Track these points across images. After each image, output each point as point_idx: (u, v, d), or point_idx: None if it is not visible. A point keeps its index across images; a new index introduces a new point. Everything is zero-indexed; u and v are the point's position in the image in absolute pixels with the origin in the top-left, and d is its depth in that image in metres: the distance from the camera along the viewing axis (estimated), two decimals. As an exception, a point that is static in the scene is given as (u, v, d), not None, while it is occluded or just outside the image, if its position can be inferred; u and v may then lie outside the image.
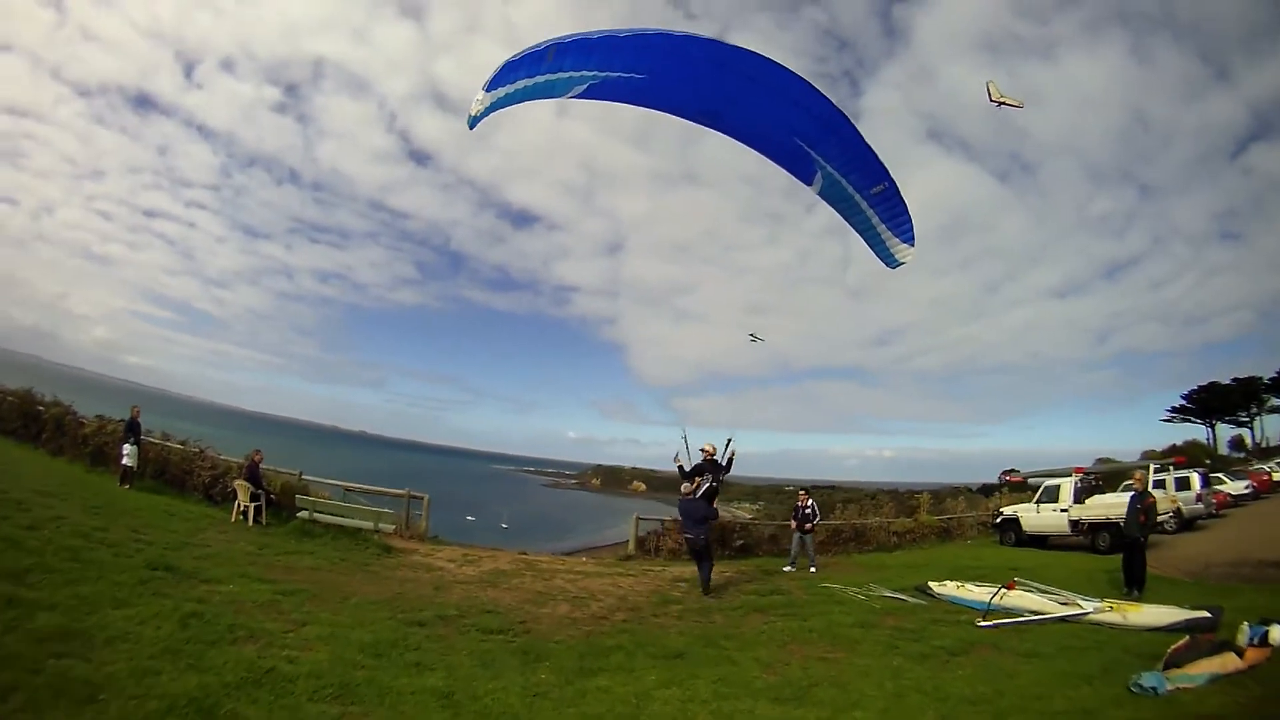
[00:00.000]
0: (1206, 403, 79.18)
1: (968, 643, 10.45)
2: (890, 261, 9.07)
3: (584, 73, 7.22)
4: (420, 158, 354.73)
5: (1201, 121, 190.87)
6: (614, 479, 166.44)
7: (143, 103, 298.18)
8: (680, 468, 14.46)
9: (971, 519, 31.67)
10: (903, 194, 8.39)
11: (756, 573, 18.32)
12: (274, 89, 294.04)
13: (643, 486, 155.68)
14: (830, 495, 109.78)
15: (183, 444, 22.02)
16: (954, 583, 14.65)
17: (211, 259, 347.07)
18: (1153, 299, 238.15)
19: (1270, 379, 73.47)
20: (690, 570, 16.61)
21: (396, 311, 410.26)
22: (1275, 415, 76.22)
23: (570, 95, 7.46)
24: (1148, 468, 24.77)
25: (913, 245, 8.92)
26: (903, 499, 35.46)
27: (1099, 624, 11.49)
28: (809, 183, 8.31)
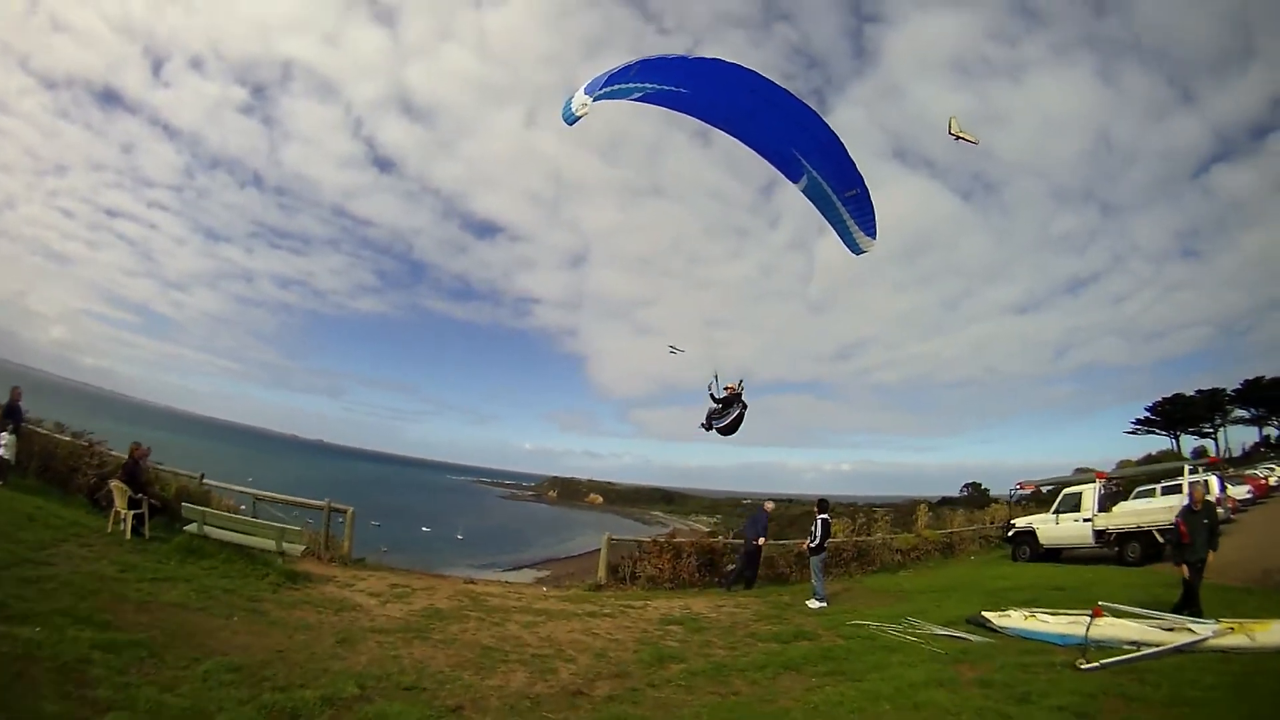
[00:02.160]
0: (1171, 414, 79.90)
1: (1087, 695, 7.96)
2: (855, 249, 10.61)
3: (647, 84, 9.16)
4: (385, 165, 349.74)
5: (1165, 143, 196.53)
6: (571, 491, 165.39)
7: (109, 98, 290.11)
8: (712, 396, 12.53)
9: (971, 533, 29.47)
10: (872, 199, 10.13)
11: (765, 607, 15.41)
12: (241, 90, 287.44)
13: (600, 499, 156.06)
14: (788, 508, 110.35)
15: (74, 437, 18.42)
16: (1017, 612, 12.43)
17: (171, 261, 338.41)
18: (1113, 314, 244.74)
19: (1234, 390, 74.74)
20: (680, 607, 14.25)
21: (356, 319, 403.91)
22: (1239, 426, 77.22)
23: (633, 99, 9.34)
24: (1189, 470, 23.22)
25: (875, 238, 10.45)
26: (903, 512, 33.02)
27: (1223, 649, 9.68)
28: (795, 181, 9.99)
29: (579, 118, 9.39)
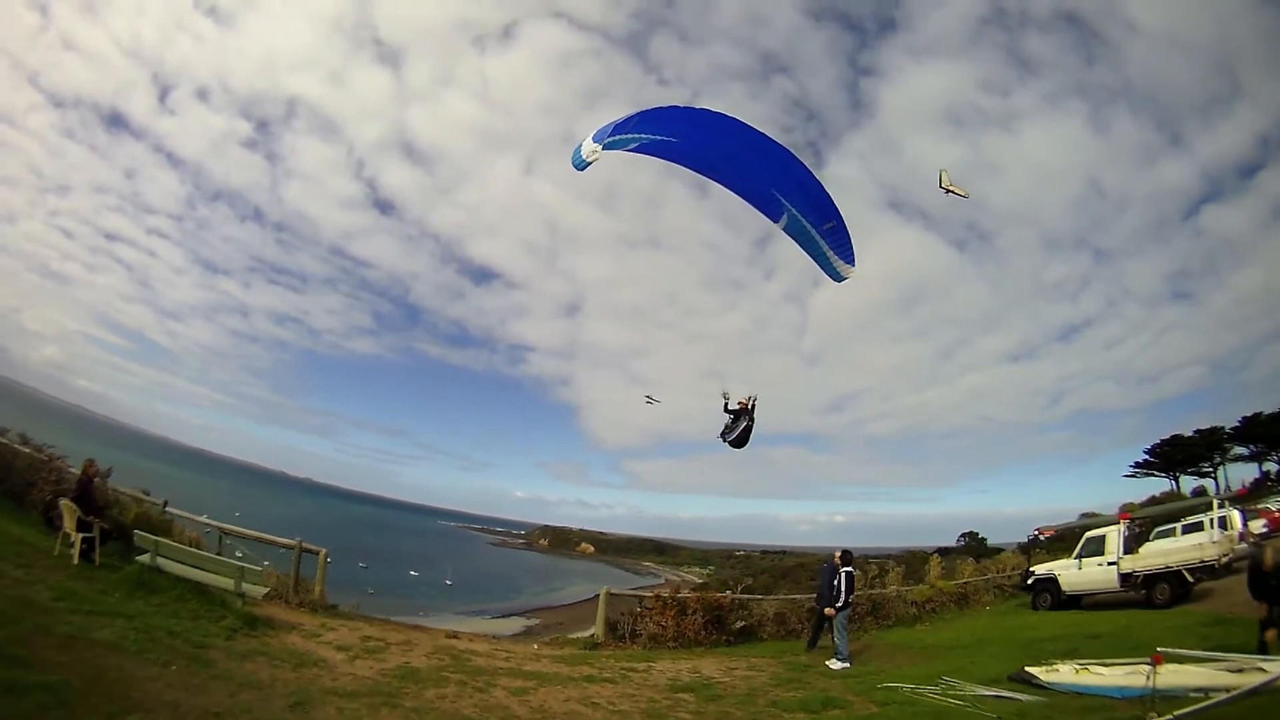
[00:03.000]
0: (1170, 455, 78.43)
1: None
2: (836, 277, 10.80)
3: (641, 135, 9.56)
4: (385, 207, 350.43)
5: (1155, 186, 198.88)
6: (562, 540, 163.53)
7: (115, 122, 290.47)
8: (727, 408, 12.56)
9: (983, 583, 27.95)
10: (850, 233, 10.46)
11: (782, 669, 14.02)
12: (246, 124, 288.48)
13: (591, 549, 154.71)
14: (781, 560, 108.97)
15: (38, 450, 16.80)
16: (1065, 665, 11.51)
17: (169, 290, 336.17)
18: (1106, 359, 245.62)
19: (1232, 428, 73.53)
20: (688, 670, 12.92)
21: (351, 360, 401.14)
22: (1238, 464, 75.21)
23: (629, 149, 9.70)
24: (1218, 505, 23.25)
25: (853, 265, 10.68)
26: (911, 563, 31.68)
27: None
28: (776, 220, 10.24)
29: (589, 164, 9.75)
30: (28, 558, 11.77)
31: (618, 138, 9.58)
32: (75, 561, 12.41)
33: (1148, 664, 9.45)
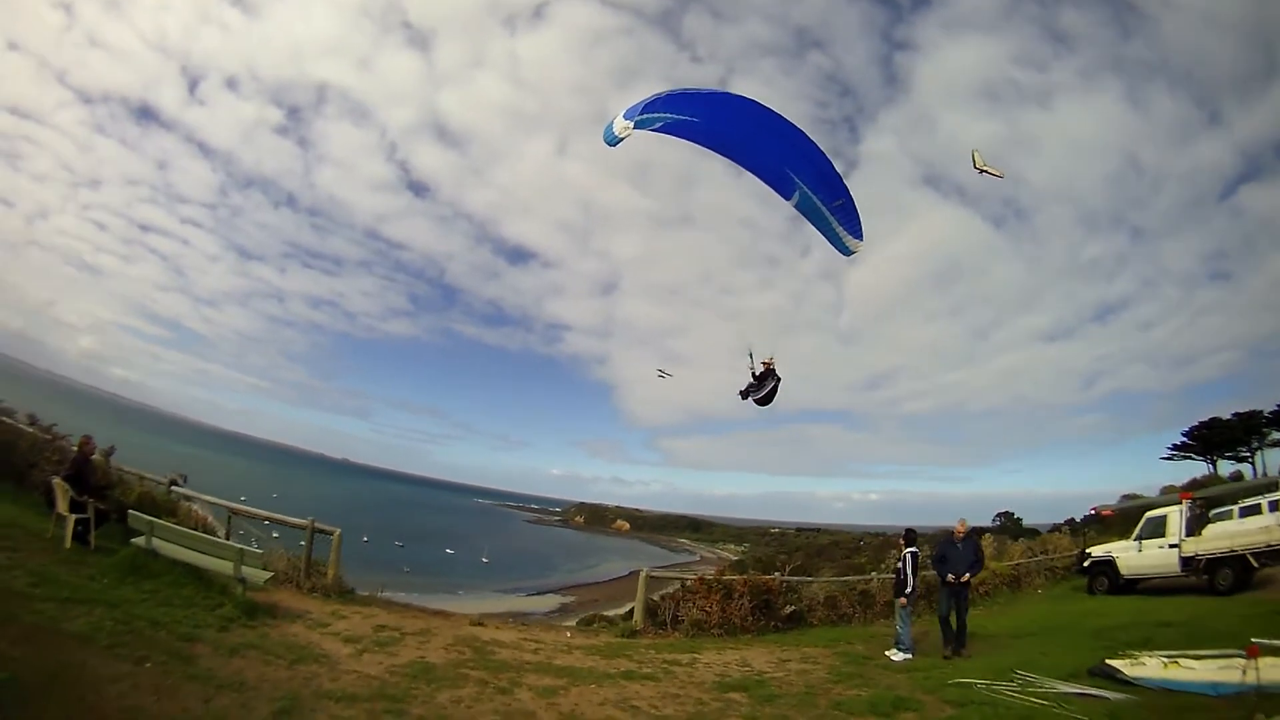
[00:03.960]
0: (1208, 439, 76.16)
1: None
2: (845, 251, 11.25)
3: (666, 114, 9.81)
4: (419, 189, 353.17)
5: (1193, 164, 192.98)
6: (598, 517, 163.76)
7: (145, 115, 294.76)
8: (752, 372, 12.57)
9: (1035, 564, 26.81)
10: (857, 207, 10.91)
11: (838, 660, 12.81)
12: (276, 111, 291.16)
13: (627, 525, 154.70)
14: (816, 538, 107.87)
15: (44, 430, 16.12)
16: (1152, 658, 10.51)
17: (203, 278, 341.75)
18: (1142, 341, 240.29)
19: (1271, 412, 71.10)
20: (736, 663, 11.93)
21: (387, 342, 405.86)
22: (1276, 449, 72.73)
23: (654, 129, 9.96)
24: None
25: (861, 240, 11.13)
26: None
27: None
28: (788, 198, 10.77)
29: (621, 139, 9.89)
30: (16, 540, 10.85)
31: (645, 116, 9.87)
32: (68, 545, 11.47)
33: (1242, 656, 8.90)
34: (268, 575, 11.46)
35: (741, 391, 12.47)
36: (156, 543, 11.16)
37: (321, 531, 14.10)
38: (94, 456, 13.55)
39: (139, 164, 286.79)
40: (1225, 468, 74.09)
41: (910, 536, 14.44)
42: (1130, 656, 10.77)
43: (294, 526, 14.48)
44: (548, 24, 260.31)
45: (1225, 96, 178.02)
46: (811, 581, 19.46)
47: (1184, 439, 79.23)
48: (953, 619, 13.63)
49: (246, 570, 10.75)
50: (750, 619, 15.73)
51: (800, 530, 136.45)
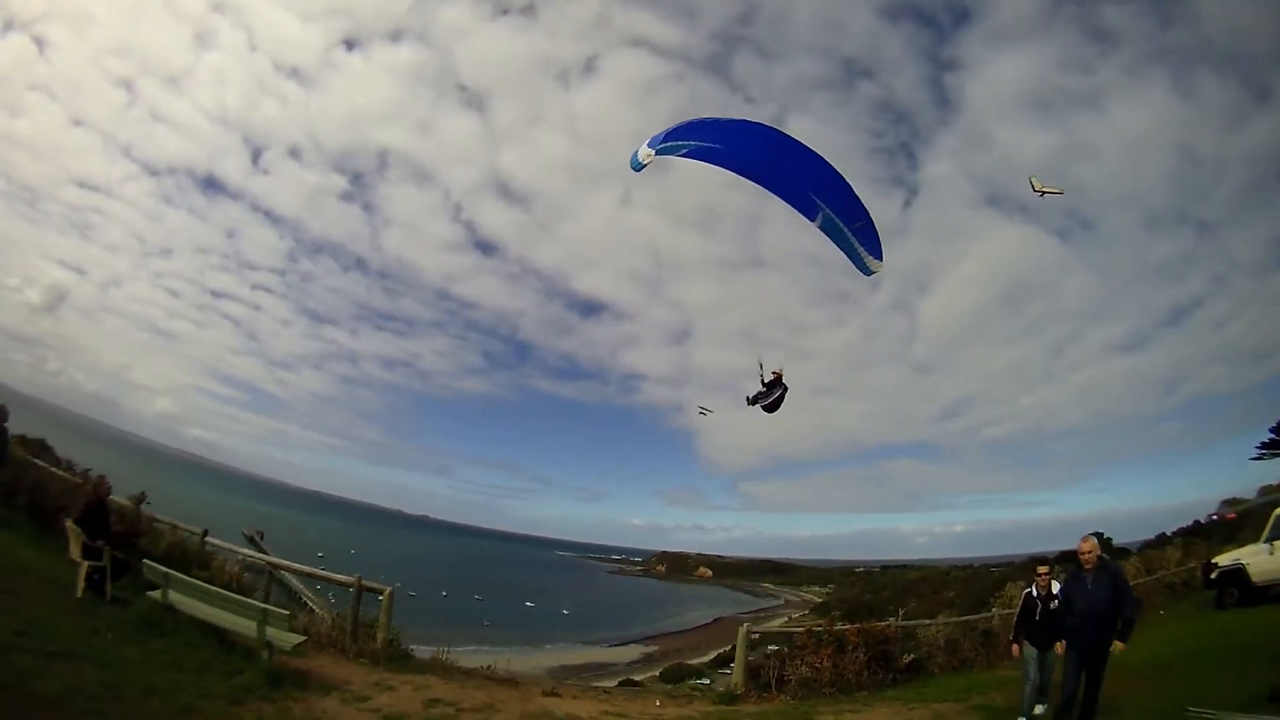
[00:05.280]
0: None
1: None
2: (866, 271, 11.32)
3: (690, 141, 10.36)
4: (486, 247, 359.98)
5: (1249, 145, 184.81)
6: (679, 565, 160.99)
7: (210, 185, 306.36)
8: (762, 379, 12.55)
9: (1152, 582, 24.76)
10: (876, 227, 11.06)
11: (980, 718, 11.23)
12: (340, 177, 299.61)
13: (709, 573, 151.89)
14: (901, 575, 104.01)
15: (82, 475, 15.72)
16: None
17: (276, 341, 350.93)
18: (1217, 340, 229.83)
19: None
20: None
21: (463, 400, 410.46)
22: None
23: (680, 155, 10.50)
24: None
25: (881, 260, 11.28)
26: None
27: None
28: (812, 219, 10.81)
29: (645, 165, 10.66)
30: (20, 584, 10.03)
31: (670, 144, 10.50)
32: (79, 594, 10.28)
33: None
34: (297, 639, 9.71)
35: (749, 398, 12.77)
36: (174, 597, 9.69)
37: (371, 590, 12.34)
38: (123, 502, 12.43)
39: (208, 233, 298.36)
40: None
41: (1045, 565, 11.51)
42: None
43: (338, 584, 12.85)
44: (599, 77, 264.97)
45: (1270, 70, 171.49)
46: (929, 625, 17.22)
47: (1272, 435, 77.44)
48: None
49: (272, 632, 9.10)
50: (865, 672, 13.58)
51: (885, 568, 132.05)
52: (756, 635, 15.16)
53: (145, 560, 10.61)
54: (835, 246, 11.28)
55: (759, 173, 10.77)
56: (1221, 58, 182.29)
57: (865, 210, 11.00)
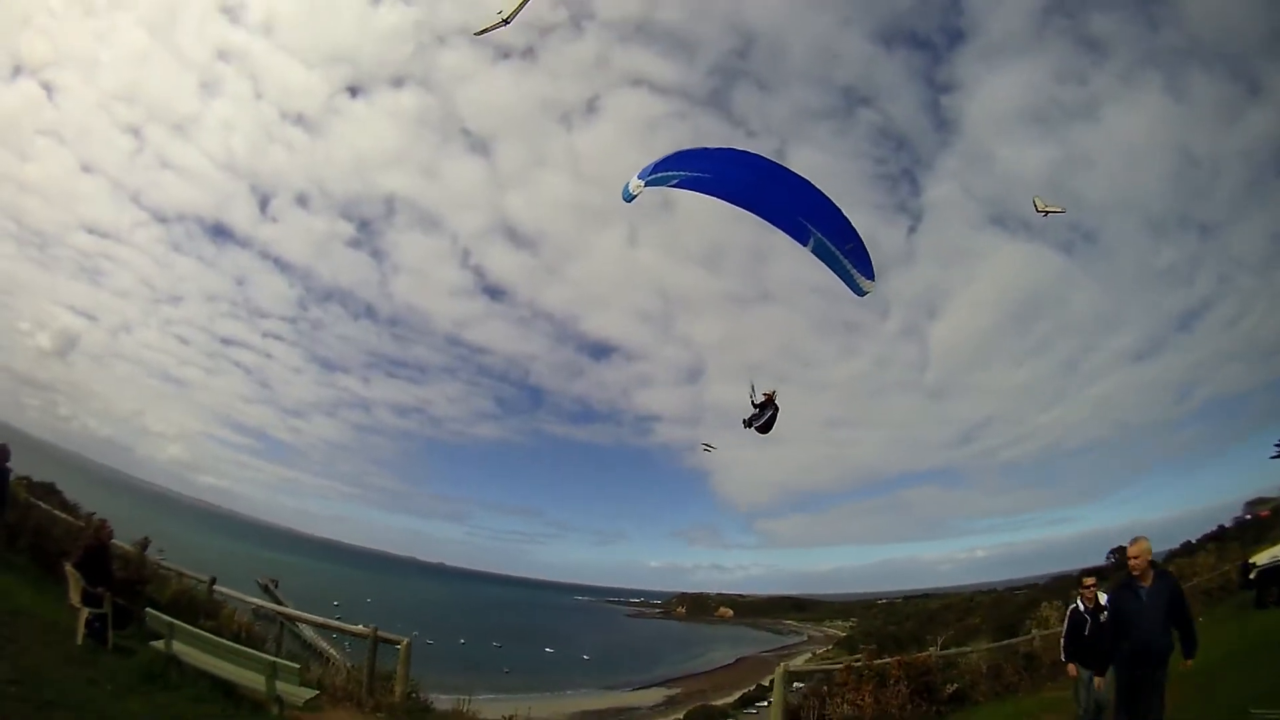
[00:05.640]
0: None
1: None
2: (858, 291, 11.58)
3: (679, 171, 10.70)
4: (495, 292, 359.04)
5: (1244, 141, 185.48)
6: (700, 606, 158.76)
7: (219, 232, 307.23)
8: (753, 402, 12.86)
9: (1189, 590, 23.50)
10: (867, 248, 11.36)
11: None
12: (347, 224, 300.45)
13: (729, 612, 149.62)
14: (925, 604, 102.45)
15: (78, 516, 15.74)
16: None
17: (288, 389, 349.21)
18: (1230, 338, 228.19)
19: None
20: None
21: (476, 445, 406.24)
22: None
23: (670, 185, 10.88)
24: None
25: (874, 279, 11.48)
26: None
27: None
28: (804, 244, 11.09)
29: (635, 196, 11.07)
30: (17, 630, 9.69)
31: (659, 175, 10.80)
32: (79, 641, 9.90)
33: None
34: (309, 694, 9.19)
35: (745, 421, 13.08)
36: (178, 647, 9.22)
37: (387, 641, 11.78)
38: (126, 547, 12.01)
39: (217, 280, 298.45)
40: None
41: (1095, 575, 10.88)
42: None
43: (354, 635, 12.30)
44: (601, 117, 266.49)
45: (1259, 63, 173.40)
46: (969, 651, 16.66)
47: (1292, 431, 77.43)
48: None
49: (282, 686, 8.57)
50: (909, 706, 12.97)
51: (908, 598, 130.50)
52: (793, 673, 14.52)
53: (148, 608, 10.17)
54: (828, 269, 11.55)
55: (749, 200, 11.02)
56: (1211, 54, 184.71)
57: (855, 232, 11.23)
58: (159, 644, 9.29)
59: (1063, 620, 11.00)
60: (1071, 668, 10.27)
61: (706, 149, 11.08)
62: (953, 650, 15.77)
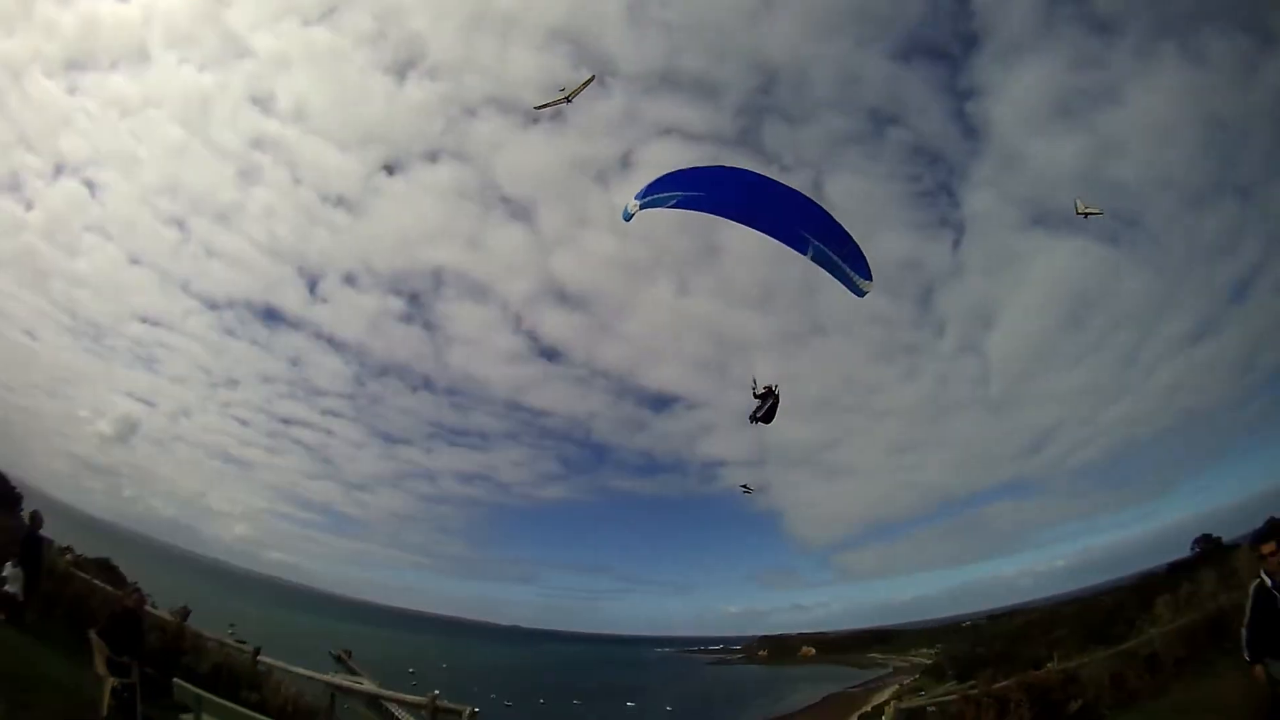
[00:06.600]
0: None
1: None
2: (858, 292, 12.04)
3: (676, 192, 11.06)
4: (550, 354, 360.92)
5: (1265, 96, 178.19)
6: (781, 648, 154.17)
7: (271, 316, 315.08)
8: (754, 391, 13.82)
9: None
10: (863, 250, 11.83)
11: None
12: (397, 299, 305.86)
13: (812, 651, 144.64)
14: (1010, 621, 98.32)
15: (116, 587, 15.11)
16: None
17: (351, 464, 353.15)
18: None
19: None
20: None
21: (544, 507, 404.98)
22: None
23: (669, 206, 11.23)
24: None
25: (871, 280, 11.91)
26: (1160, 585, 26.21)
27: None
28: (804, 253, 11.46)
29: (632, 216, 11.73)
30: (40, 699, 9.84)
31: (656, 196, 11.22)
32: (104, 711, 9.68)
33: None
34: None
35: (750, 415, 13.97)
36: (208, 722, 8.29)
37: (448, 711, 10.69)
38: (164, 616, 11.47)
39: (273, 362, 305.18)
40: None
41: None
42: None
43: (410, 705, 11.33)
44: (637, 170, 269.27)
45: (1267, 11, 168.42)
46: (1088, 662, 15.21)
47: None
48: None
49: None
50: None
51: (992, 617, 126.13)
52: (904, 710, 13.48)
53: (175, 679, 9.38)
54: (829, 275, 11.99)
55: (746, 215, 11.48)
56: (1218, 11, 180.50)
57: (850, 236, 11.65)
58: (188, 717, 8.46)
59: (1243, 605, 8.81)
60: (1258, 669, 8.38)
61: (699, 168, 11.53)
62: (1073, 663, 14.31)
